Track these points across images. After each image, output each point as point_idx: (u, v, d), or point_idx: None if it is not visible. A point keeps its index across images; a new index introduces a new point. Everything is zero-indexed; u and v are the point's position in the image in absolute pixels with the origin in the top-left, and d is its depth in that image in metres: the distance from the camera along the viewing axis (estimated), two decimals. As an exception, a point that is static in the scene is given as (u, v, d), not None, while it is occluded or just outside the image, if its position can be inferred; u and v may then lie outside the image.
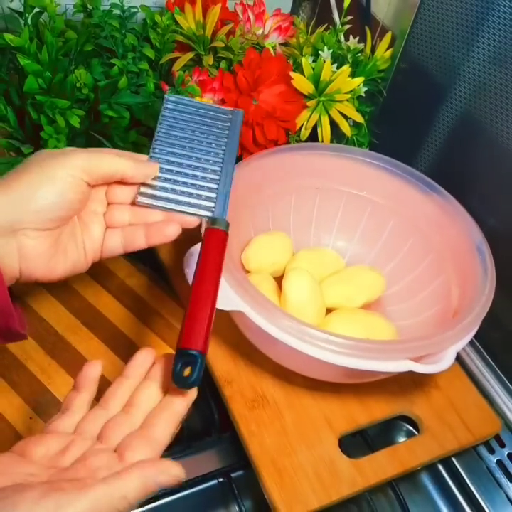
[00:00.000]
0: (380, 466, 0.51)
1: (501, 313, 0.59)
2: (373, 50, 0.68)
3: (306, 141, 0.66)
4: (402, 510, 0.53)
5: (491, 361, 0.62)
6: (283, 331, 0.44)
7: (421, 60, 0.64)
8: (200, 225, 0.43)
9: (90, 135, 0.58)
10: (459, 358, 0.62)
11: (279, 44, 0.69)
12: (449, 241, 0.58)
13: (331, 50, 0.65)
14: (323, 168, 0.63)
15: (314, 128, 0.65)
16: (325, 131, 0.64)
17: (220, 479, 0.53)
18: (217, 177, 0.44)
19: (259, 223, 0.62)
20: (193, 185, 0.43)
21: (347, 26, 0.69)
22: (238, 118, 0.48)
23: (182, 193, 0.42)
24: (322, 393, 0.55)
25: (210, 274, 0.39)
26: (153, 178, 0.42)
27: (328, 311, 0.58)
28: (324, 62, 0.62)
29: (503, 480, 0.57)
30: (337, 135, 0.67)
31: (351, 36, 0.69)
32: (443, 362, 0.46)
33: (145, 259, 0.62)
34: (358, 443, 0.55)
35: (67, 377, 0.52)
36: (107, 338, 0.55)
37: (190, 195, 0.42)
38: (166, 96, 0.48)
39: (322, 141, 0.65)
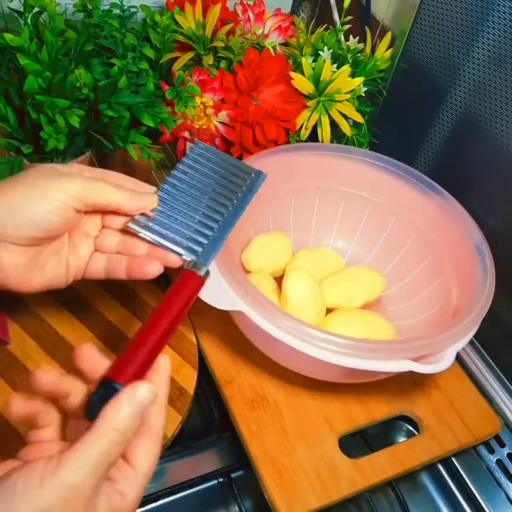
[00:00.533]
0: (380, 466, 0.51)
1: (501, 313, 0.59)
2: (373, 50, 0.68)
3: (306, 141, 0.66)
4: (402, 510, 0.53)
5: (490, 361, 0.63)
6: (283, 331, 0.44)
7: (421, 60, 0.64)
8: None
9: (90, 135, 0.58)
10: (458, 358, 0.62)
11: (279, 44, 0.69)
12: (449, 241, 0.58)
13: (331, 50, 0.65)
14: (323, 168, 0.63)
15: (314, 128, 0.65)
16: (325, 131, 0.64)
17: (220, 479, 0.53)
18: (215, 226, 0.43)
19: (259, 223, 0.62)
20: (188, 227, 0.43)
21: (347, 26, 0.69)
22: (259, 180, 0.48)
23: (175, 230, 0.42)
24: (322, 393, 0.55)
25: (169, 317, 0.37)
26: (153, 210, 0.42)
27: (328, 311, 0.58)
28: (324, 62, 0.62)
29: (503, 480, 0.57)
30: (337, 135, 0.67)
31: (351, 36, 0.69)
32: (443, 362, 0.46)
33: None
34: (358, 443, 0.55)
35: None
36: (107, 338, 0.55)
37: (182, 235, 0.42)
38: (196, 141, 0.49)
39: (322, 141, 0.65)
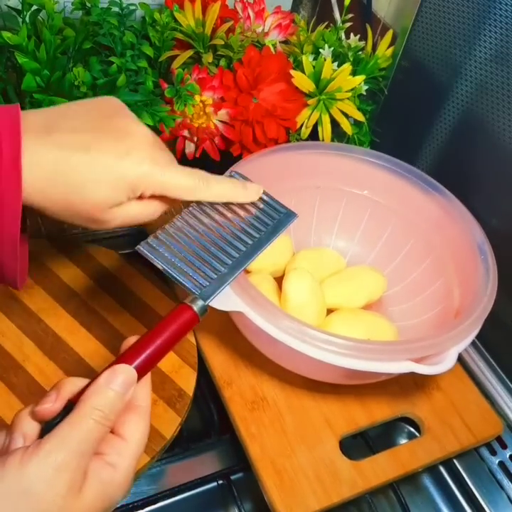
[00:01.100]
0: (381, 467, 0.51)
1: (503, 314, 0.58)
2: (374, 48, 0.68)
3: (306, 139, 0.65)
4: (403, 512, 0.53)
5: (493, 362, 0.62)
6: (283, 332, 0.44)
7: (422, 59, 0.63)
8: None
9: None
10: (460, 359, 0.62)
11: (280, 42, 0.69)
12: (451, 241, 0.58)
13: (332, 48, 0.65)
14: (324, 167, 0.62)
15: (315, 126, 0.64)
16: (326, 130, 0.64)
17: (220, 481, 0.53)
18: (229, 262, 0.41)
19: (259, 223, 0.62)
20: (199, 258, 0.41)
21: (348, 24, 0.69)
22: (288, 220, 0.46)
23: (184, 259, 0.40)
24: (323, 394, 0.55)
25: (150, 349, 0.35)
26: (168, 235, 0.41)
27: (329, 311, 0.58)
28: (325, 60, 0.62)
29: (505, 482, 0.56)
30: (338, 134, 0.67)
31: (352, 34, 0.68)
32: (445, 363, 0.45)
33: (144, 259, 0.62)
34: (359, 445, 0.55)
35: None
36: (106, 339, 0.55)
37: (191, 265, 0.40)
38: (233, 171, 0.47)
39: (323, 140, 0.64)
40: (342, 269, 0.63)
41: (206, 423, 0.56)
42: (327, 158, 0.61)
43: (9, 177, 0.33)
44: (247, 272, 0.59)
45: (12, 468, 0.28)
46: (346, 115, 0.64)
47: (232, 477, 0.52)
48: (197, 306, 0.38)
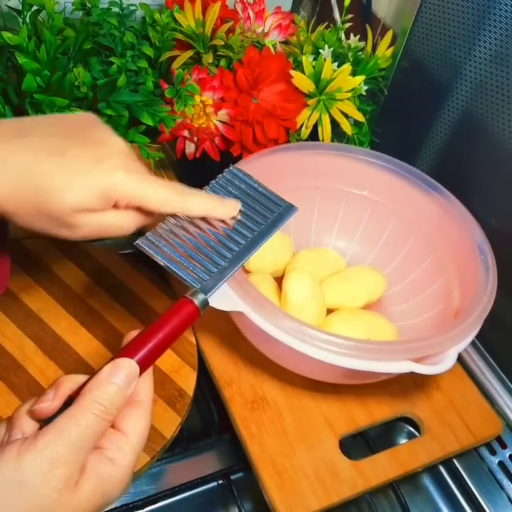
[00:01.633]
0: (380, 467, 0.51)
1: (503, 314, 0.58)
2: (374, 48, 0.68)
3: (306, 140, 0.65)
4: (403, 512, 0.53)
5: (492, 362, 0.62)
6: (283, 332, 0.44)
7: (422, 59, 0.63)
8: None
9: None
10: (460, 359, 0.62)
11: (280, 42, 0.69)
12: (451, 241, 0.58)
13: (332, 49, 0.65)
14: (324, 168, 0.62)
15: (315, 127, 0.64)
16: (325, 130, 0.64)
17: (220, 481, 0.53)
18: (229, 256, 0.41)
19: (259, 223, 0.62)
20: (199, 252, 0.41)
21: (348, 24, 0.69)
22: (288, 213, 0.46)
23: (184, 254, 0.40)
24: (323, 394, 0.55)
25: (152, 342, 0.35)
26: (167, 230, 0.41)
27: (329, 311, 0.58)
28: (325, 60, 0.62)
29: (505, 481, 0.56)
30: (338, 134, 0.67)
31: (352, 34, 0.68)
32: (444, 363, 0.45)
33: (144, 258, 0.62)
34: (359, 444, 0.55)
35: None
36: (106, 338, 0.55)
37: (191, 259, 0.40)
38: (231, 166, 0.47)
39: (323, 140, 0.64)
40: (342, 269, 0.63)
41: (206, 423, 0.56)
42: (327, 158, 0.61)
43: None
44: (247, 272, 0.59)
45: (9, 460, 0.28)
46: (346, 115, 0.64)
47: (232, 477, 0.52)
48: (198, 299, 0.38)
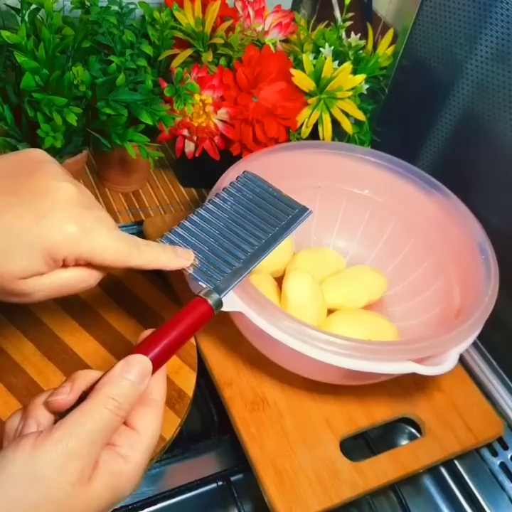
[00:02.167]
0: (381, 469, 0.51)
1: (505, 314, 0.58)
2: (375, 47, 0.68)
3: (306, 139, 0.65)
4: (404, 514, 0.52)
5: (494, 363, 0.62)
6: (283, 332, 0.44)
7: (423, 58, 0.63)
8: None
9: (88, 133, 0.57)
10: (461, 360, 0.61)
11: (280, 41, 0.69)
12: (452, 240, 0.57)
13: (332, 47, 0.65)
14: (324, 167, 0.62)
15: (315, 126, 0.64)
16: (326, 129, 0.64)
17: (220, 482, 0.52)
18: (243, 257, 0.42)
19: (260, 222, 0.62)
20: (213, 254, 0.42)
21: (348, 23, 0.68)
22: (302, 216, 0.46)
23: (198, 255, 0.41)
24: (323, 395, 0.54)
25: (165, 341, 0.35)
26: (181, 232, 0.42)
27: (329, 311, 0.58)
28: (325, 59, 0.62)
29: (506, 483, 0.56)
30: (338, 133, 0.66)
31: (352, 33, 0.68)
32: (446, 364, 0.45)
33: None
34: (360, 446, 0.55)
35: (64, 379, 0.51)
36: (105, 339, 0.55)
37: (205, 260, 0.41)
38: (245, 171, 0.48)
39: (323, 140, 0.64)
40: (342, 269, 0.63)
41: (206, 424, 0.56)
42: (327, 157, 0.61)
43: None
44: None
45: (24, 452, 0.28)
46: (347, 114, 0.64)
47: (232, 478, 0.52)
48: (212, 299, 0.38)
